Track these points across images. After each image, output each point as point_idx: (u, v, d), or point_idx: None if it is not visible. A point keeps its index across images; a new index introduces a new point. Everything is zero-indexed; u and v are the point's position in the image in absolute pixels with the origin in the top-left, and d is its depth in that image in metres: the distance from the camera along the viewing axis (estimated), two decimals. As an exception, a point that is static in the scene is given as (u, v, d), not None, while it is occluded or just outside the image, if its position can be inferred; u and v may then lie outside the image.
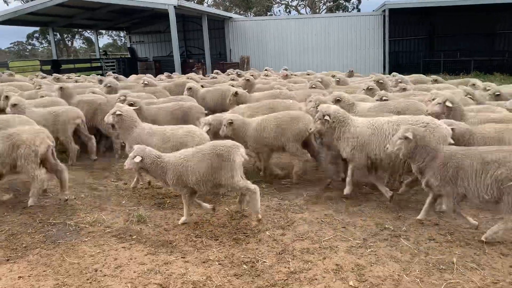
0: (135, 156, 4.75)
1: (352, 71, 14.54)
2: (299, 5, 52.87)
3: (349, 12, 46.82)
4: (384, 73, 23.68)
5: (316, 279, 3.69)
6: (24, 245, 4.48)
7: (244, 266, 3.95)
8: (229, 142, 4.92)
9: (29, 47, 67.80)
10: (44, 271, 3.96)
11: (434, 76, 11.25)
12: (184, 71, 20.68)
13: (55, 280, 3.80)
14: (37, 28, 52.03)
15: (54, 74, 14.68)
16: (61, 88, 8.78)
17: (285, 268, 3.88)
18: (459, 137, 5.14)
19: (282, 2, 52.69)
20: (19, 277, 3.88)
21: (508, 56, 26.14)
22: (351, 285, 3.58)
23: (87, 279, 3.80)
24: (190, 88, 9.74)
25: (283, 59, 26.90)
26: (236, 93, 8.72)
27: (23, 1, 45.80)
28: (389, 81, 10.26)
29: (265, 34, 27.50)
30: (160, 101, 8.79)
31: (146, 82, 11.07)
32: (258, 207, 4.84)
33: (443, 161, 4.33)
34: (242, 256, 4.12)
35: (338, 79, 11.13)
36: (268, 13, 51.42)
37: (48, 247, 4.44)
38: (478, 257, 3.95)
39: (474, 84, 9.76)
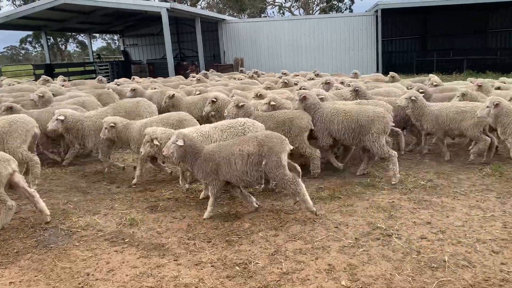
0: None
1: (317, 74, 15.34)
2: (293, 6, 53.04)
3: (342, 13, 46.94)
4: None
5: (309, 280, 3.69)
6: (15, 250, 4.46)
7: (237, 267, 3.94)
8: (1, 154, 4.94)
9: (23, 51, 67.47)
10: (35, 276, 3.94)
11: (392, 73, 12.22)
12: (178, 74, 20.65)
13: (46, 285, 3.78)
14: (30, 32, 51.84)
15: (43, 76, 14.39)
16: None
17: (277, 269, 3.88)
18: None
19: (276, 3, 52.81)
20: (10, 282, 3.86)
21: (501, 55, 26.33)
22: (343, 285, 3.58)
23: (79, 284, 3.78)
24: (134, 89, 10.06)
25: (277, 60, 26.95)
26: (172, 96, 8.83)
27: (15, 5, 45.66)
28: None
29: (259, 35, 27.54)
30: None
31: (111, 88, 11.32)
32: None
33: (205, 158, 5.04)
34: (235, 258, 4.11)
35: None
36: (262, 15, 51.50)
37: (39, 252, 4.42)
38: (470, 255, 3.96)
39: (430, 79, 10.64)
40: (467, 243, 4.20)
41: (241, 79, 13.89)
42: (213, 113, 7.75)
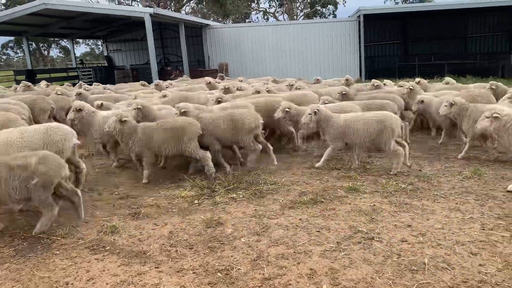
0: None
1: (278, 80, 15.59)
2: (277, 12, 53.36)
3: (326, 18, 47.39)
4: (360, 78, 24.18)
5: (290, 285, 3.69)
6: (-8, 261, 4.37)
7: (219, 274, 3.93)
8: None
9: (4, 57, 66.41)
10: (13, 287, 3.86)
11: (347, 76, 12.79)
12: (162, 79, 20.55)
13: (24, 295, 3.71)
14: (12, 38, 51.05)
15: (23, 82, 14.03)
16: None
17: (259, 274, 3.88)
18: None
19: (260, 9, 53.06)
20: (-13, 293, 3.78)
21: (480, 59, 26.90)
22: (324, 289, 3.60)
23: (58, 293, 3.72)
24: (80, 94, 10.36)
25: (261, 65, 27.06)
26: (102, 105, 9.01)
27: (-4, 11, 44.90)
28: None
29: (243, 40, 27.62)
30: None
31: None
32: None
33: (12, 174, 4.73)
34: (217, 264, 4.10)
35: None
36: (247, 20, 51.65)
37: (18, 261, 4.33)
38: (449, 257, 4.02)
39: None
40: (447, 245, 4.26)
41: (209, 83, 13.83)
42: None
